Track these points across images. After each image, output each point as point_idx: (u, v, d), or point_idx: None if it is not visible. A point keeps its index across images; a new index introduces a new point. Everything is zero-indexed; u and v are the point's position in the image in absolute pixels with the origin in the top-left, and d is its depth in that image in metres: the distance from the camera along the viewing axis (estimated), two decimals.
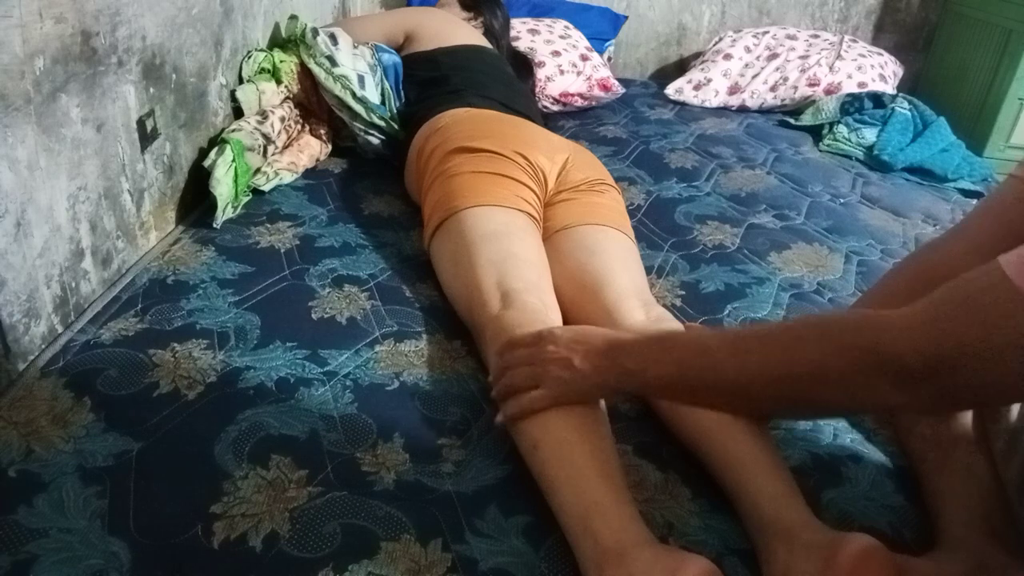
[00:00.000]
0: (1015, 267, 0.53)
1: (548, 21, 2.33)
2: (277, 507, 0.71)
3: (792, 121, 2.16)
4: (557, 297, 1.02)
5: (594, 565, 0.64)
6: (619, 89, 2.24)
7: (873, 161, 1.89)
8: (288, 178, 1.44)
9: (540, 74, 2.08)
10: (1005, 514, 0.72)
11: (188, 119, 1.29)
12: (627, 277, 1.06)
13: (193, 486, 0.73)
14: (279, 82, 1.53)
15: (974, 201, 1.73)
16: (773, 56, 2.37)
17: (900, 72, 2.44)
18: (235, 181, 1.26)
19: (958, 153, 1.91)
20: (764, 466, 0.74)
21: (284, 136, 1.46)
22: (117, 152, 1.07)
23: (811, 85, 2.26)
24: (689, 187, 1.61)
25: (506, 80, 1.61)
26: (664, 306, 1.08)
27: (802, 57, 2.34)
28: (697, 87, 2.33)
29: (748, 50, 2.40)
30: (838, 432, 0.89)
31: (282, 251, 1.18)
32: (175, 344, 0.92)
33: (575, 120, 2.08)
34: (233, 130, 1.32)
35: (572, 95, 2.14)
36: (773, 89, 2.29)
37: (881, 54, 2.42)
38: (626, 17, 2.62)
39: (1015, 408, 0.79)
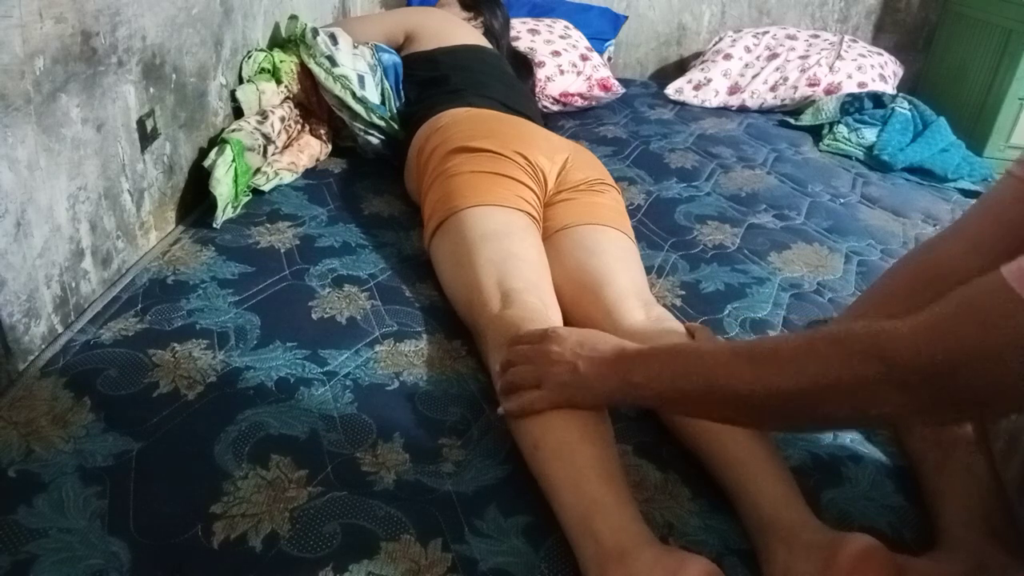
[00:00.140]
0: (1016, 275, 0.54)
1: (548, 21, 2.33)
2: (277, 507, 0.71)
3: (792, 121, 2.16)
4: (557, 297, 1.02)
5: (595, 565, 0.64)
6: (619, 89, 2.24)
7: (873, 161, 1.89)
8: (288, 178, 1.44)
9: (540, 74, 2.08)
10: (1005, 514, 0.72)
11: (188, 119, 1.29)
12: (627, 277, 1.06)
13: (193, 486, 0.73)
14: (279, 82, 1.53)
15: (973, 201, 1.73)
16: (773, 56, 2.37)
17: (900, 72, 2.44)
18: (235, 181, 1.26)
19: (958, 153, 1.91)
20: (764, 466, 0.74)
21: (284, 136, 1.46)
22: (117, 152, 1.07)
23: (811, 85, 2.26)
24: (689, 187, 1.61)
25: (506, 80, 1.61)
26: (664, 306, 1.08)
27: (802, 57, 2.34)
28: (697, 87, 2.33)
29: (748, 50, 2.40)
30: (838, 432, 0.89)
31: (282, 251, 1.18)
32: (175, 344, 0.92)
33: (575, 120, 2.08)
34: (233, 130, 1.32)
35: (572, 95, 2.14)
36: (773, 89, 2.29)
37: (881, 54, 2.42)
38: (626, 17, 2.62)
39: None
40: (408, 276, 1.15)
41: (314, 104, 1.60)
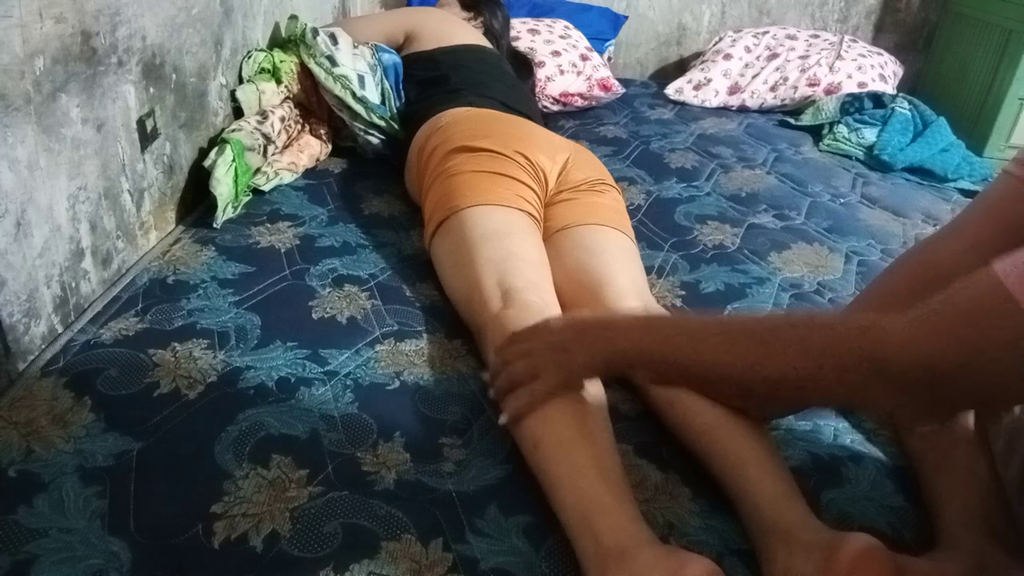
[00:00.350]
0: (1009, 273, 0.54)
1: (548, 21, 2.33)
2: (278, 507, 0.71)
3: (792, 121, 2.16)
4: (557, 297, 1.01)
5: (595, 565, 0.64)
6: (619, 89, 2.24)
7: (873, 161, 1.89)
8: (288, 178, 1.44)
9: (540, 74, 2.08)
10: (1005, 514, 0.72)
11: (188, 119, 1.29)
12: (627, 277, 1.06)
13: (193, 486, 0.73)
14: (279, 82, 1.53)
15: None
16: (773, 56, 2.37)
17: (900, 72, 2.44)
18: (235, 181, 1.26)
19: (958, 153, 1.91)
20: (764, 467, 0.74)
21: (284, 136, 1.46)
22: (117, 152, 1.07)
23: (811, 85, 2.26)
24: (689, 187, 1.61)
25: (506, 80, 1.61)
26: (664, 306, 1.08)
27: (802, 57, 2.34)
28: (697, 87, 2.33)
29: (748, 50, 2.40)
30: (838, 432, 0.89)
31: (282, 251, 1.18)
32: (175, 344, 0.92)
33: (575, 120, 2.08)
34: (233, 130, 1.32)
35: (572, 95, 2.14)
36: (773, 89, 2.29)
37: (881, 54, 2.42)
38: (626, 17, 2.62)
39: (1015, 409, 0.79)
40: (408, 276, 1.15)
41: (314, 104, 1.60)
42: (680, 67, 2.72)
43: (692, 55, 2.72)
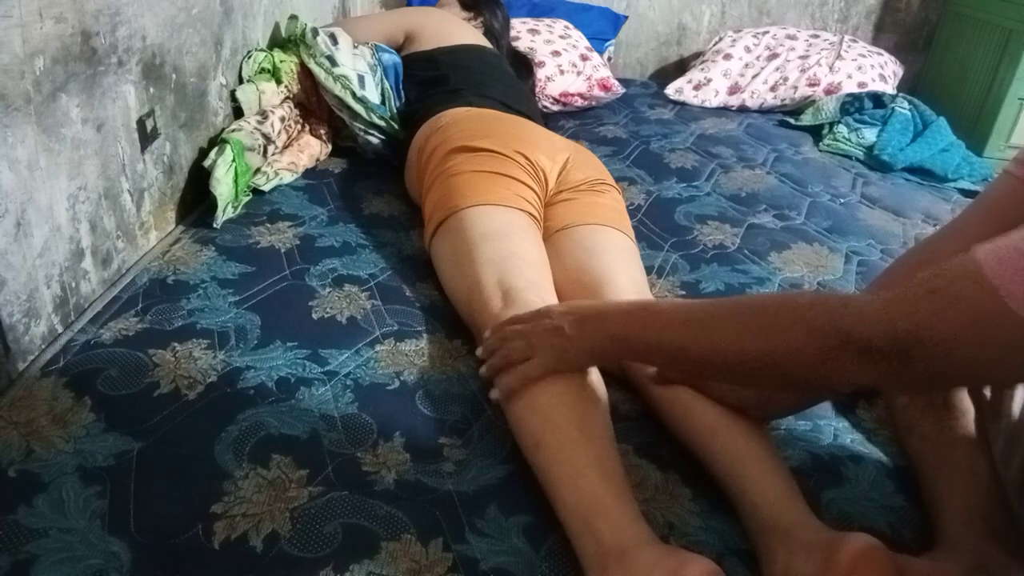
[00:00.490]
0: (988, 256, 0.54)
1: (548, 21, 2.33)
2: (278, 507, 0.71)
3: (792, 121, 2.16)
4: (557, 297, 1.01)
5: (596, 564, 0.64)
6: (619, 89, 2.24)
7: (873, 161, 1.89)
8: (288, 178, 1.44)
9: (540, 74, 2.08)
10: (1005, 514, 0.73)
11: (188, 119, 1.29)
12: (627, 277, 1.06)
13: (193, 486, 0.73)
14: (279, 82, 1.53)
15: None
16: (773, 56, 2.37)
17: (900, 72, 2.44)
18: (235, 181, 1.26)
19: (958, 153, 1.91)
20: (764, 467, 0.74)
21: (284, 136, 1.46)
22: (117, 152, 1.07)
23: (811, 85, 2.26)
24: (689, 187, 1.61)
25: (506, 80, 1.61)
26: None
27: (802, 57, 2.34)
28: (697, 87, 2.33)
29: (748, 50, 2.40)
30: (838, 432, 0.89)
31: (282, 251, 1.18)
32: (175, 344, 0.92)
33: (575, 120, 2.08)
34: (233, 130, 1.32)
35: (572, 95, 2.14)
36: (773, 89, 2.29)
37: (881, 54, 2.42)
38: (626, 17, 2.62)
39: (1015, 409, 0.79)
40: (408, 276, 1.15)
41: (314, 104, 1.60)
42: (680, 67, 2.72)
43: (692, 55, 2.72)
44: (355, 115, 1.54)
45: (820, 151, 1.96)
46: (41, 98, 0.88)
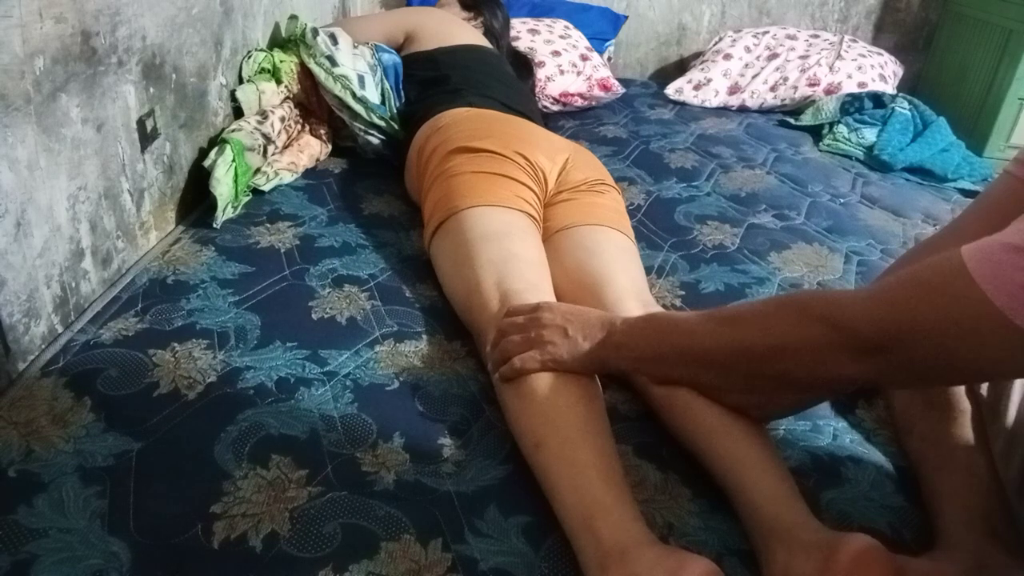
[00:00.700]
0: (973, 255, 0.55)
1: (548, 21, 2.33)
2: (277, 507, 0.71)
3: (792, 121, 2.16)
4: (557, 297, 1.01)
5: (595, 565, 0.64)
6: (619, 89, 2.24)
7: (873, 161, 1.89)
8: (288, 178, 1.44)
9: (540, 74, 2.08)
10: (1005, 514, 0.73)
11: (188, 119, 1.29)
12: (627, 277, 1.06)
13: (193, 486, 0.73)
14: (279, 82, 1.53)
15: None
16: (773, 56, 2.37)
17: (900, 72, 2.44)
18: (235, 181, 1.26)
19: (958, 153, 1.91)
20: (764, 467, 0.74)
21: (284, 136, 1.46)
22: (117, 152, 1.07)
23: (811, 85, 2.26)
24: (689, 187, 1.61)
25: (506, 80, 1.61)
26: (664, 306, 1.08)
27: (802, 57, 2.34)
28: (697, 87, 2.33)
29: (748, 50, 2.40)
30: (838, 432, 0.89)
31: (282, 251, 1.18)
32: (175, 344, 0.92)
33: (575, 120, 2.08)
34: (233, 130, 1.32)
35: (572, 95, 2.14)
36: (773, 89, 2.29)
37: (881, 54, 2.42)
38: (626, 17, 2.62)
39: (1013, 409, 0.79)
40: (408, 276, 1.15)
41: (314, 104, 1.60)
42: (680, 67, 2.72)
43: (692, 55, 2.72)
44: (355, 115, 1.54)
45: (820, 151, 1.96)
46: (41, 98, 0.88)
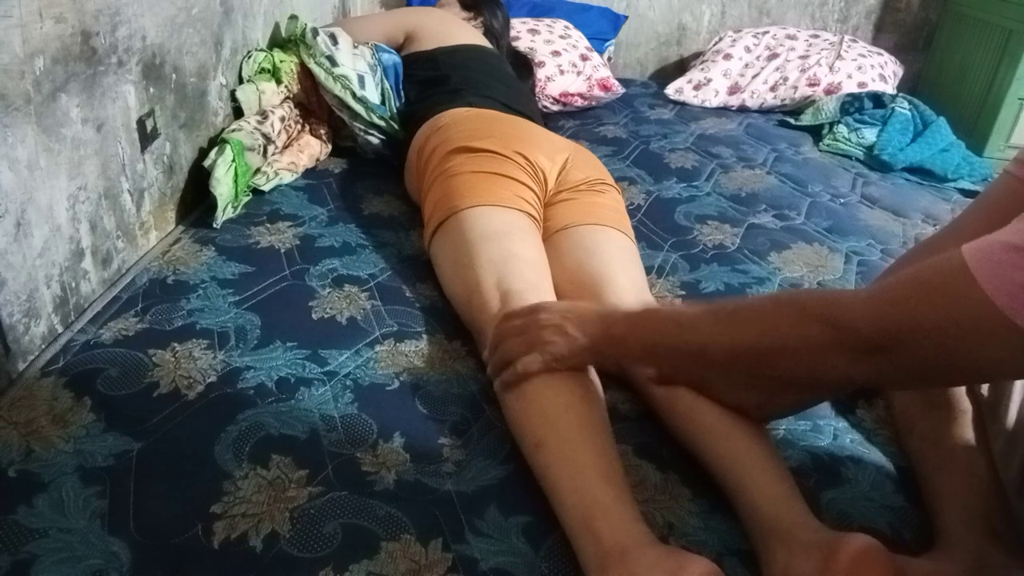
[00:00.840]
0: (974, 253, 0.55)
1: (548, 21, 2.33)
2: (277, 507, 0.71)
3: (792, 121, 2.16)
4: (557, 297, 1.01)
5: (596, 565, 0.64)
6: (619, 89, 2.24)
7: (873, 161, 1.89)
8: (288, 178, 1.44)
9: (540, 74, 2.08)
10: (1005, 514, 0.73)
11: (188, 119, 1.29)
12: (627, 277, 1.06)
13: (193, 486, 0.73)
14: (279, 82, 1.53)
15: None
16: (773, 56, 2.37)
17: (900, 72, 2.44)
18: (235, 181, 1.26)
19: (958, 153, 1.91)
20: (764, 467, 0.74)
21: (284, 136, 1.46)
22: (117, 152, 1.07)
23: (811, 85, 2.26)
24: (689, 187, 1.61)
25: (506, 80, 1.61)
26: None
27: (802, 57, 2.34)
28: (697, 87, 2.33)
29: (748, 50, 2.40)
30: (838, 432, 0.89)
31: (282, 251, 1.18)
32: (175, 344, 0.92)
33: (575, 120, 2.08)
34: (233, 130, 1.32)
35: (572, 95, 2.14)
36: (773, 89, 2.29)
37: (881, 54, 2.42)
38: (626, 17, 2.62)
39: (1013, 409, 0.79)
40: (408, 276, 1.15)
41: (314, 104, 1.60)
42: (680, 67, 2.72)
43: (692, 55, 2.72)
44: (355, 115, 1.54)
45: (820, 151, 1.96)
46: (41, 98, 0.88)
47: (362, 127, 1.56)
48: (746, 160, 1.81)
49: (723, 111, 2.28)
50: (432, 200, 1.15)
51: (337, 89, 1.51)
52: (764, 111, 2.30)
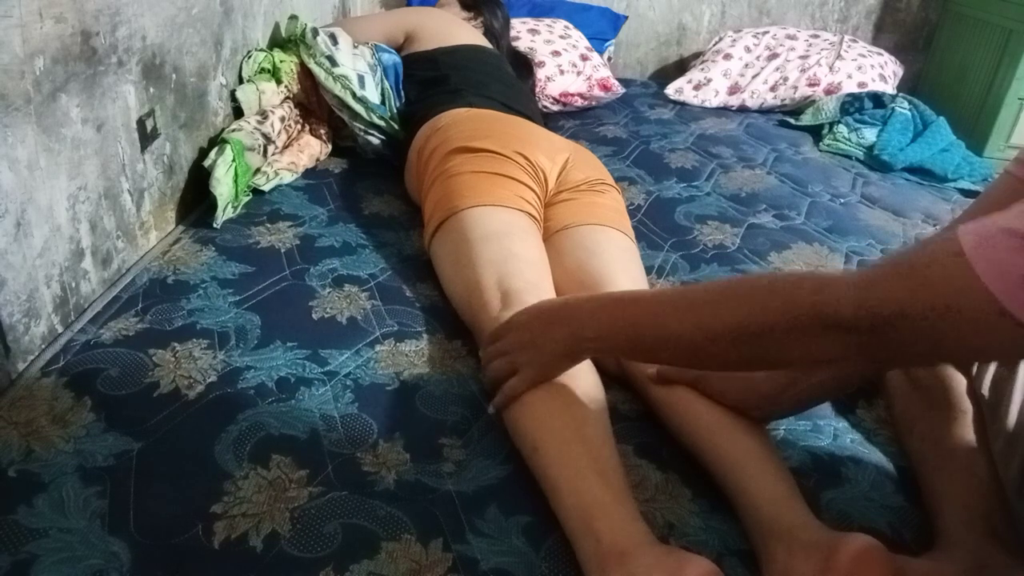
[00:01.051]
0: (968, 233, 0.54)
1: (548, 21, 2.33)
2: (278, 507, 0.71)
3: (792, 121, 2.16)
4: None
5: (595, 565, 0.64)
6: (619, 89, 2.24)
7: (873, 161, 1.89)
8: (288, 178, 1.44)
9: (540, 74, 2.08)
10: (1005, 514, 0.73)
11: (188, 119, 1.29)
12: (627, 277, 1.06)
13: (193, 486, 0.73)
14: (279, 82, 1.53)
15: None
16: (773, 56, 2.37)
17: (900, 72, 2.44)
18: (235, 181, 1.26)
19: (958, 153, 1.91)
20: (764, 467, 0.74)
21: (284, 136, 1.46)
22: (117, 152, 1.07)
23: (811, 85, 2.26)
24: (689, 187, 1.61)
25: (506, 80, 1.61)
26: None
27: (802, 57, 2.34)
28: (697, 87, 2.33)
29: (748, 50, 2.40)
30: (838, 432, 0.89)
31: (282, 251, 1.18)
32: (175, 344, 0.92)
33: (575, 120, 2.08)
34: (233, 130, 1.32)
35: (572, 95, 2.14)
36: (773, 89, 2.30)
37: (881, 54, 2.42)
38: (626, 17, 2.62)
39: (1014, 409, 0.79)
40: (408, 276, 1.15)
41: (314, 104, 1.60)
42: (680, 67, 2.72)
43: (692, 55, 2.72)
44: (355, 115, 1.54)
45: (820, 151, 1.96)
46: (41, 98, 0.88)
47: (362, 127, 1.56)
48: (746, 160, 1.81)
49: (723, 111, 2.28)
50: (432, 200, 1.15)
51: (337, 89, 1.51)
52: (764, 111, 2.30)
